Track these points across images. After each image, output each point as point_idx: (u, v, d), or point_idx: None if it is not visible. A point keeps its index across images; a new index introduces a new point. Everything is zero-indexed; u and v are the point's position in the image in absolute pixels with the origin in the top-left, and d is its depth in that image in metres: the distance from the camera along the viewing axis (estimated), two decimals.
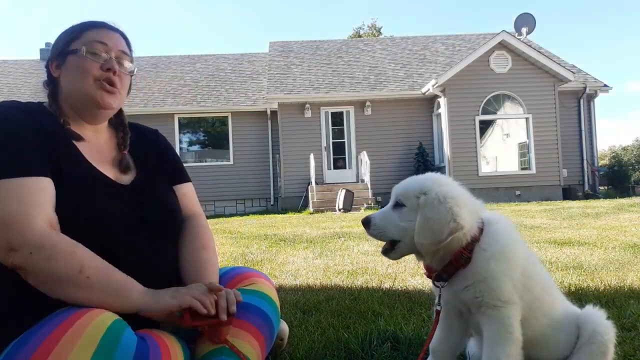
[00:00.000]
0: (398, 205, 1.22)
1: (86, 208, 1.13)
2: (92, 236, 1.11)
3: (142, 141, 1.43)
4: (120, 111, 1.43)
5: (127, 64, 1.32)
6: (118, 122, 1.42)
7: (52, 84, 1.30)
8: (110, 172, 1.27)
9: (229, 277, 1.36)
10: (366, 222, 1.24)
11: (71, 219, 1.10)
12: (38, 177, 1.08)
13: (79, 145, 1.24)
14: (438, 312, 1.27)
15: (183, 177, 1.46)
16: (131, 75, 1.37)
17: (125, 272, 1.11)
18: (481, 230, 1.20)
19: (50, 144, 1.16)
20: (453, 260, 1.19)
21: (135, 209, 1.23)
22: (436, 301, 1.28)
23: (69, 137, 1.22)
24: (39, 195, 1.07)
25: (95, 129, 1.33)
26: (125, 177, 1.30)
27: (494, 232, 1.20)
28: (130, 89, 1.41)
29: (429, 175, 1.27)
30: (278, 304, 1.36)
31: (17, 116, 1.15)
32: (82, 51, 1.24)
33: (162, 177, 1.40)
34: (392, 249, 1.24)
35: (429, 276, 1.27)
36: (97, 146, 1.30)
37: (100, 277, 1.05)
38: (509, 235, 1.22)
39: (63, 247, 1.04)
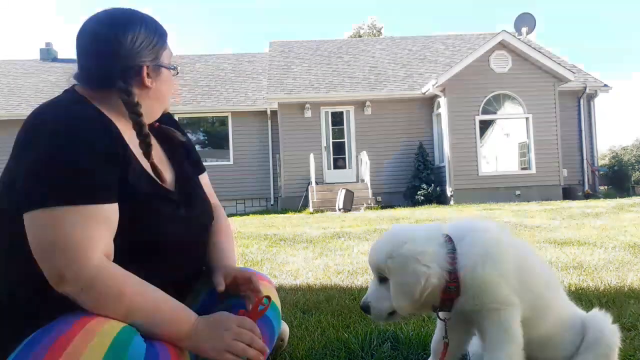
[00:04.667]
0: (382, 279, 1.22)
1: (146, 226, 1.10)
2: (145, 250, 1.11)
3: (166, 133, 1.36)
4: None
5: None
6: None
7: (130, 88, 1.14)
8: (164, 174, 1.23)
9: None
10: (366, 309, 1.24)
11: (128, 234, 1.07)
12: (105, 204, 1.02)
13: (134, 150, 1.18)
14: (446, 345, 1.27)
15: (202, 168, 1.45)
16: None
17: (164, 281, 1.11)
18: (453, 250, 1.18)
19: (124, 154, 1.10)
20: (445, 296, 1.19)
21: (185, 222, 1.21)
22: (443, 334, 1.28)
23: (129, 147, 1.14)
24: (104, 225, 1.02)
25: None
26: (168, 176, 1.25)
27: (467, 244, 1.18)
28: None
29: (391, 235, 1.24)
30: (279, 306, 1.37)
31: (95, 131, 1.06)
32: (175, 71, 1.26)
33: (193, 172, 1.38)
34: (391, 316, 1.23)
35: (433, 310, 1.26)
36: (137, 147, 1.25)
37: (148, 320, 1.03)
38: (487, 237, 1.20)
39: (113, 289, 0.99)
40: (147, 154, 1.14)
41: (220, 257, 1.33)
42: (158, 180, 1.18)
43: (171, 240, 1.15)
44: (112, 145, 1.07)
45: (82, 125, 1.04)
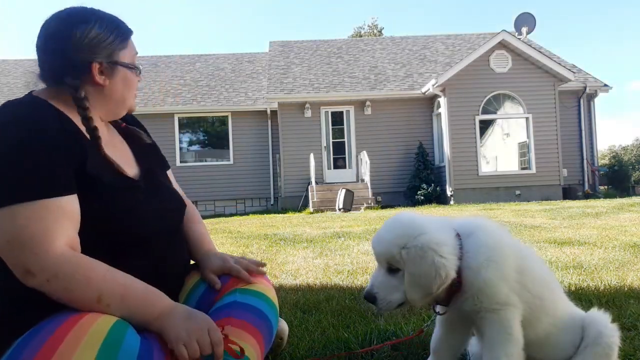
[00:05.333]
0: (392, 270, 1.18)
1: (118, 217, 1.12)
2: (124, 242, 1.13)
3: (129, 128, 1.39)
4: None
5: None
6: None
7: (78, 83, 1.16)
8: (127, 168, 1.25)
9: (228, 277, 1.35)
10: (372, 299, 1.19)
11: (102, 226, 1.10)
12: (63, 196, 1.04)
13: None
14: (420, 331, 1.30)
15: (167, 164, 1.48)
16: None
17: (150, 272, 1.15)
18: (461, 247, 1.18)
19: (80, 147, 1.11)
20: (447, 290, 1.18)
21: (157, 209, 1.24)
22: (427, 322, 1.29)
23: (95, 140, 1.17)
24: (61, 217, 1.03)
25: (104, 123, 1.29)
26: (133, 170, 1.27)
27: (474, 244, 1.18)
28: None
29: (403, 224, 1.20)
30: (277, 303, 1.36)
31: (49, 123, 1.08)
32: (137, 71, 1.27)
33: (159, 165, 1.41)
34: (399, 307, 1.21)
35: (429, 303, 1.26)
36: (110, 140, 1.28)
37: (119, 304, 1.03)
38: (491, 238, 1.20)
39: (79, 276, 1.01)
40: (97, 145, 1.16)
41: (199, 243, 1.40)
42: (125, 172, 1.20)
43: (145, 229, 1.17)
44: (62, 138, 1.08)
45: (28, 123, 1.06)
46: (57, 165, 1.05)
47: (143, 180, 1.26)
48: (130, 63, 1.25)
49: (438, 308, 1.27)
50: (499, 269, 1.16)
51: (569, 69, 13.10)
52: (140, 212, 1.17)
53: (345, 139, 14.20)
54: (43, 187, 1.02)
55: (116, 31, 1.22)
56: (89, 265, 1.03)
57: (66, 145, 1.08)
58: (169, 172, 1.48)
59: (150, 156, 1.38)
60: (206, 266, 1.33)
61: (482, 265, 1.15)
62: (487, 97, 12.89)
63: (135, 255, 1.16)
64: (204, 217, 9.99)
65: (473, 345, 1.41)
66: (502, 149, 13.93)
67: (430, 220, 1.22)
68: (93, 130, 1.16)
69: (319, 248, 4.49)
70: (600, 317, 1.28)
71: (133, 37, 1.29)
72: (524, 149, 13.30)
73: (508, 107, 13.13)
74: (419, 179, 13.15)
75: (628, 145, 40.21)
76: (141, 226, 1.16)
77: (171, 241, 1.28)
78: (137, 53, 1.29)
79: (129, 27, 1.29)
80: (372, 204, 12.10)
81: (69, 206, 1.05)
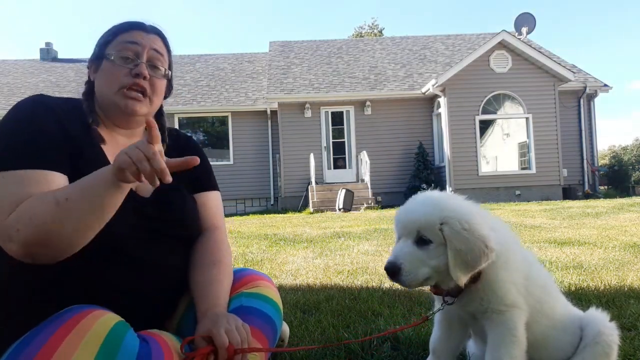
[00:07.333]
0: (423, 241, 1.11)
1: None
2: (99, 249, 1.07)
3: (171, 146, 1.39)
4: (161, 115, 1.39)
5: (161, 67, 1.29)
6: (158, 127, 1.38)
7: (88, 84, 1.29)
8: None
9: (233, 280, 1.36)
10: (396, 270, 1.09)
11: None
12: (47, 170, 1.05)
13: (106, 150, 1.21)
14: (425, 318, 1.29)
15: (207, 185, 1.42)
16: (167, 79, 1.34)
17: (130, 289, 1.13)
18: None
19: (76, 146, 1.13)
20: None
21: (151, 224, 1.19)
22: (431, 312, 1.29)
23: (97, 141, 1.20)
24: (37, 185, 1.03)
25: (129, 133, 1.31)
26: (148, 187, 1.24)
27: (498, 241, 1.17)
28: (170, 90, 1.39)
29: (438, 198, 1.16)
30: (281, 306, 1.37)
31: (44, 113, 1.13)
32: (112, 57, 1.22)
33: (186, 184, 1.35)
34: (424, 282, 1.14)
35: (436, 293, 1.24)
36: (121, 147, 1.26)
37: (75, 193, 1.01)
38: (508, 240, 1.21)
39: (32, 202, 1.00)
40: (94, 131, 1.22)
41: (201, 295, 1.21)
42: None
43: (120, 233, 1.11)
44: (61, 127, 1.13)
45: (38, 109, 1.14)
46: (47, 147, 1.08)
47: (151, 198, 1.24)
48: (107, 52, 1.23)
49: (448, 299, 1.25)
50: (511, 272, 1.18)
51: (569, 69, 13.11)
52: (122, 227, 1.12)
53: (345, 139, 14.20)
54: (30, 159, 1.05)
55: (109, 30, 1.27)
56: (39, 194, 1.03)
57: (63, 135, 1.13)
58: (205, 195, 1.40)
59: (178, 176, 1.31)
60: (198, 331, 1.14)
61: (498, 266, 1.16)
62: (487, 97, 12.89)
63: (106, 265, 1.11)
64: None
65: (472, 346, 1.41)
66: (502, 149, 13.92)
67: (469, 202, 1.20)
68: (90, 123, 1.21)
69: (319, 248, 4.49)
70: (598, 317, 1.28)
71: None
72: (524, 149, 13.30)
73: (508, 107, 13.13)
74: (419, 179, 13.15)
75: (628, 145, 40.22)
76: (113, 228, 1.08)
77: (153, 260, 1.19)
78: (133, 43, 1.24)
79: (133, 22, 1.29)
80: (372, 204, 12.09)
81: (54, 179, 1.06)
